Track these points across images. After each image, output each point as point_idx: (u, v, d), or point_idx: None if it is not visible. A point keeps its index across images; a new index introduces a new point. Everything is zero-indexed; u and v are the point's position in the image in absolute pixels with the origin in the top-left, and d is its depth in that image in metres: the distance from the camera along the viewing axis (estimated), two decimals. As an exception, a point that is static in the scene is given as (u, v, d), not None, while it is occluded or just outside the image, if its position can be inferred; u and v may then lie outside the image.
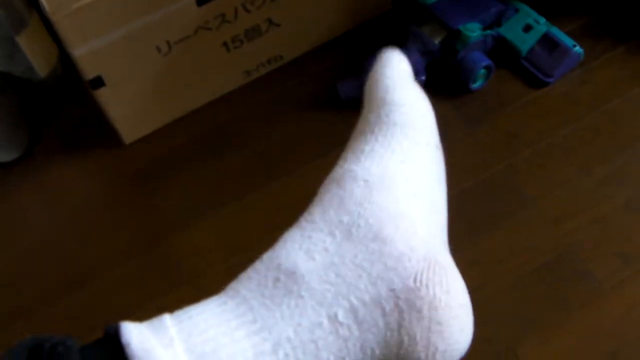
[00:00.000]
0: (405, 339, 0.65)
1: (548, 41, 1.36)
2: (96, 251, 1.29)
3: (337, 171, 0.76)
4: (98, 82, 1.30)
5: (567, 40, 1.35)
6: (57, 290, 1.24)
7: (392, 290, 0.65)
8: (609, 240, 1.16)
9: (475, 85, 1.37)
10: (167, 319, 0.63)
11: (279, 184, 1.31)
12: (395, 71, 0.83)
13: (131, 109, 1.39)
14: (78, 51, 1.25)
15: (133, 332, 0.59)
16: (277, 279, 0.64)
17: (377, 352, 0.65)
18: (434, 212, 0.73)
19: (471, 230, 1.17)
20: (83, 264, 1.27)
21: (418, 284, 0.66)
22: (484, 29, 1.37)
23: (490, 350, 1.05)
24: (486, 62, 1.34)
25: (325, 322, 0.62)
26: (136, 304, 1.17)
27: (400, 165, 0.73)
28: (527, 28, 1.38)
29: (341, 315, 0.63)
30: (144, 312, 1.15)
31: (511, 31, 1.39)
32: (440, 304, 0.66)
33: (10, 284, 1.28)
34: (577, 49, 1.35)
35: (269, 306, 0.62)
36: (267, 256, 0.67)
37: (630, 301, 1.09)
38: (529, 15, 1.39)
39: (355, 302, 0.64)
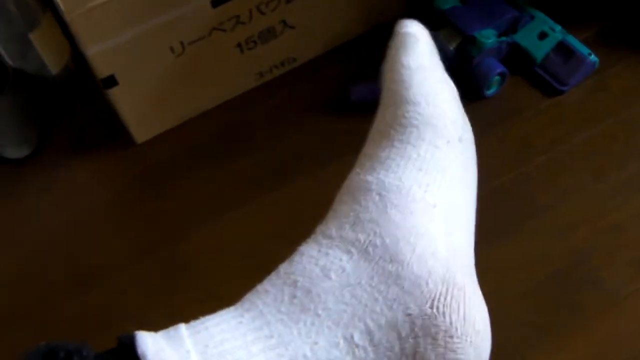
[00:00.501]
0: (420, 365, 0.65)
1: (563, 49, 1.35)
2: (104, 251, 1.29)
3: (353, 180, 0.75)
4: (111, 81, 1.30)
5: (583, 49, 1.35)
6: (64, 290, 1.24)
7: (409, 315, 0.64)
8: (623, 248, 1.15)
9: (490, 92, 1.36)
10: (182, 329, 0.62)
11: (290, 187, 1.30)
12: (412, 57, 0.80)
13: (143, 108, 1.39)
14: (92, 50, 1.25)
15: (149, 343, 0.59)
16: (294, 296, 0.64)
17: None
18: (457, 222, 0.72)
19: (484, 238, 1.15)
20: (90, 264, 1.27)
21: (435, 310, 0.65)
22: (499, 35, 1.36)
23: (501, 357, 1.05)
24: (501, 68, 1.34)
25: (342, 342, 0.62)
26: (144, 305, 1.17)
27: (418, 174, 0.72)
28: (542, 35, 1.38)
29: (357, 337, 0.62)
30: (152, 314, 1.15)
31: (526, 38, 1.39)
32: (456, 332, 0.65)
33: (17, 283, 1.27)
34: (593, 57, 1.34)
35: (285, 322, 0.62)
36: (283, 269, 0.67)
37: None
38: (544, 22, 1.39)
39: (371, 324, 0.63)
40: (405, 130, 0.75)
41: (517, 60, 1.39)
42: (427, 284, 0.65)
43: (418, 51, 0.81)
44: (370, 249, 0.66)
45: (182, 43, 1.31)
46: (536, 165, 1.27)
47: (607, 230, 1.17)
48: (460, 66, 1.35)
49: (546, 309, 1.10)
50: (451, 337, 0.65)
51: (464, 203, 0.75)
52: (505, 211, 1.21)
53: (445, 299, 0.65)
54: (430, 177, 0.72)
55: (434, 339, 0.64)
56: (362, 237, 0.67)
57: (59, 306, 1.22)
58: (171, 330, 0.63)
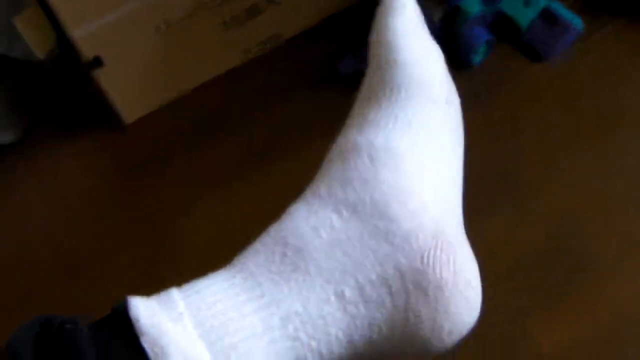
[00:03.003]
0: (411, 318, 0.65)
1: (548, 15, 1.35)
2: (94, 236, 1.29)
3: (341, 141, 0.75)
4: (97, 62, 1.30)
5: (567, 15, 1.34)
6: (58, 277, 1.24)
7: (399, 270, 0.64)
8: (609, 223, 1.15)
9: (476, 61, 1.36)
10: (175, 293, 0.63)
11: (281, 163, 1.30)
12: (399, 21, 0.80)
13: (130, 89, 1.38)
14: (77, 32, 1.24)
15: (141, 307, 0.59)
16: (285, 255, 0.64)
17: (384, 330, 0.65)
18: (445, 179, 0.72)
19: (469, 214, 1.16)
20: (83, 248, 1.27)
21: (425, 264, 0.65)
22: (484, 4, 1.36)
23: (495, 334, 1.05)
24: (487, 37, 1.34)
25: (333, 299, 0.62)
26: (138, 288, 1.17)
27: (406, 134, 0.72)
28: (527, 2, 1.37)
29: (348, 293, 0.63)
30: (145, 294, 1.15)
31: (511, 6, 1.38)
32: (447, 285, 0.66)
33: (10, 271, 1.27)
34: (577, 23, 1.34)
35: (276, 281, 0.62)
36: (274, 230, 0.67)
37: (632, 284, 1.09)
38: (529, -11, 1.39)
39: (361, 280, 0.63)
40: (393, 91, 0.75)
41: (502, 28, 1.39)
42: (417, 239, 0.65)
43: (405, 16, 0.81)
44: (360, 206, 0.66)
45: (167, 22, 1.31)
46: (523, 136, 1.27)
47: (594, 205, 1.18)
48: (446, 36, 1.35)
49: (534, 286, 1.11)
50: (442, 290, 0.65)
51: (452, 163, 0.75)
52: (491, 186, 1.20)
53: (435, 253, 0.65)
54: (418, 136, 0.72)
55: (425, 293, 0.65)
56: (351, 195, 0.67)
57: (50, 293, 1.22)
58: (163, 295, 0.63)
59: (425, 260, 0.65)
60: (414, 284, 0.64)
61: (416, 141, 0.71)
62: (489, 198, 1.19)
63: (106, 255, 1.26)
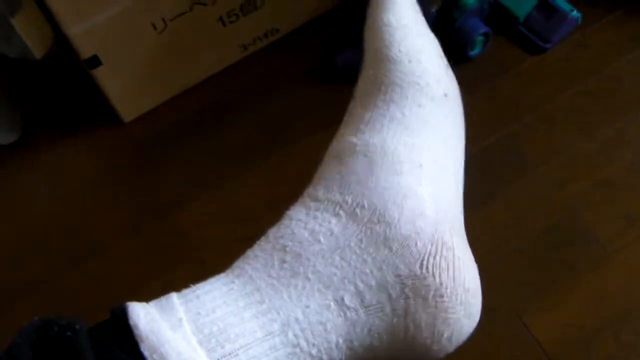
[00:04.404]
0: (411, 325, 0.65)
1: (545, 6, 1.35)
2: (100, 227, 1.29)
3: (338, 142, 0.74)
4: (95, 61, 1.29)
5: (565, 5, 1.34)
6: (62, 267, 1.25)
7: (398, 276, 0.64)
8: (612, 203, 1.16)
9: (473, 53, 1.36)
10: (174, 298, 0.62)
11: (280, 157, 1.31)
12: (393, 14, 0.78)
13: (129, 87, 1.38)
14: (73, 30, 1.24)
15: (140, 314, 0.58)
16: (284, 260, 0.64)
17: (385, 337, 0.65)
18: (444, 179, 0.71)
19: (475, 198, 1.16)
20: (88, 240, 1.28)
21: (424, 270, 0.65)
22: (481, -5, 1.36)
23: (496, 318, 1.05)
24: (484, 29, 1.33)
25: (333, 305, 0.62)
26: (141, 278, 1.18)
27: (403, 134, 0.71)
28: (525, -7, 1.37)
29: (348, 299, 0.63)
30: (150, 287, 1.16)
31: (508, -3, 1.39)
32: (446, 291, 0.65)
33: (17, 262, 1.28)
34: (575, 13, 1.34)
35: (276, 287, 0.62)
36: (272, 234, 0.67)
37: (637, 264, 1.09)
38: (525, -20, 1.38)
39: (361, 286, 0.63)
40: (388, 89, 0.74)
41: (499, 19, 1.39)
42: (415, 244, 0.65)
43: (399, 8, 0.79)
44: (358, 210, 0.65)
45: (163, 19, 1.31)
46: (524, 124, 1.27)
47: (597, 186, 1.18)
48: (443, 28, 1.35)
49: (539, 267, 1.11)
50: (441, 296, 0.65)
51: (451, 161, 0.74)
52: (494, 171, 1.21)
53: (434, 259, 0.65)
54: (416, 136, 0.71)
55: (425, 299, 0.64)
56: (349, 199, 0.66)
57: (60, 281, 1.23)
58: (163, 300, 0.62)
59: (424, 266, 0.64)
60: (413, 290, 0.64)
61: (414, 142, 0.71)
62: (493, 181, 1.20)
63: (110, 245, 1.27)
